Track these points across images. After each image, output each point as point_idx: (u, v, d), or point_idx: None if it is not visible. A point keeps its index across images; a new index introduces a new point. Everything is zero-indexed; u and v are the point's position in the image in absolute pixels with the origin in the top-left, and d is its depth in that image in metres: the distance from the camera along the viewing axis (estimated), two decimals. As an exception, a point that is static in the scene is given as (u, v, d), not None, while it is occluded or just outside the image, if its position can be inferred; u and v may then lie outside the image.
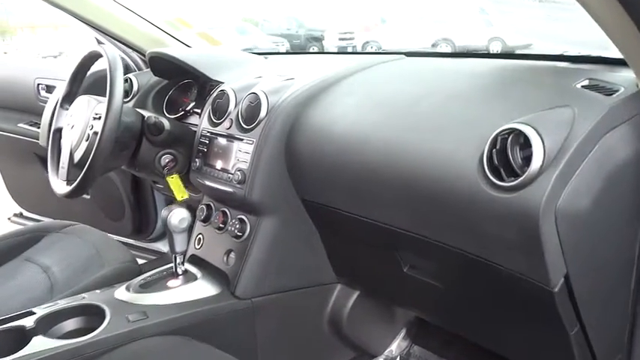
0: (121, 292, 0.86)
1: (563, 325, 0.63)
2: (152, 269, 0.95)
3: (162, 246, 1.53)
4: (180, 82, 1.20)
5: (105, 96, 0.89)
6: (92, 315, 0.80)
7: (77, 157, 0.95)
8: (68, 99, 1.06)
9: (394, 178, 0.71)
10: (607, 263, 0.63)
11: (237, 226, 0.91)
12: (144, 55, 1.26)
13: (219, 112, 0.96)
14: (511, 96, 0.71)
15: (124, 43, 1.29)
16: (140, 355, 0.73)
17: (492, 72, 0.85)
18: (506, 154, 0.58)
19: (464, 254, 0.66)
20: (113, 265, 1.01)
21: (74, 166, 0.96)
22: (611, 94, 0.63)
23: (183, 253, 0.90)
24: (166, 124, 0.99)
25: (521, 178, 0.56)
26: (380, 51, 1.12)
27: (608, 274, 0.64)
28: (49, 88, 1.48)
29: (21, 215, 1.80)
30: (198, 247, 0.99)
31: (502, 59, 1.02)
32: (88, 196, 1.52)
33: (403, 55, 1.05)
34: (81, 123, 0.97)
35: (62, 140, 1.03)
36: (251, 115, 0.90)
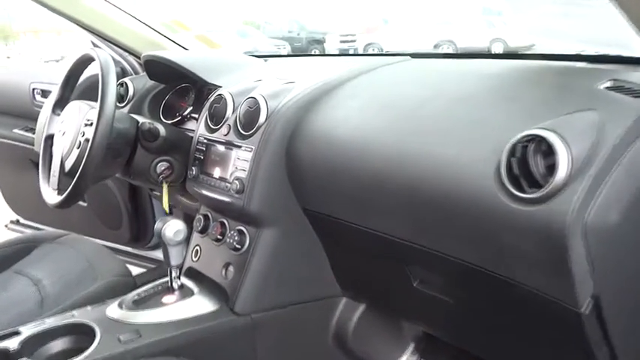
0: (113, 309, 0.82)
1: (590, 347, 0.58)
2: (148, 280, 0.91)
3: (161, 254, 1.49)
4: (177, 86, 1.16)
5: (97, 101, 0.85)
6: (81, 335, 0.76)
7: (68, 165, 0.92)
8: (60, 104, 1.02)
9: (401, 186, 0.67)
10: (638, 281, 0.58)
11: (236, 237, 0.87)
12: (140, 59, 1.23)
13: (217, 118, 0.92)
14: (527, 99, 0.66)
15: (119, 46, 1.26)
16: None
17: (505, 73, 0.80)
18: (527, 163, 0.53)
19: (479, 270, 0.61)
20: (106, 278, 0.98)
21: (65, 175, 0.93)
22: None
23: (179, 267, 0.86)
24: (162, 130, 0.95)
25: (546, 190, 0.51)
26: (384, 52, 1.08)
27: (639, 292, 0.59)
28: (45, 93, 1.46)
29: (18, 222, 1.79)
30: (195, 259, 0.94)
31: (513, 60, 0.97)
32: (85, 204, 1.49)
33: (408, 57, 1.01)
34: (72, 129, 0.93)
35: (53, 147, 0.99)
36: (250, 120, 0.86)
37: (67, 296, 0.93)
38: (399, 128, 0.72)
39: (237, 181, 0.84)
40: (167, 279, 0.87)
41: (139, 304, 0.84)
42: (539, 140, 0.53)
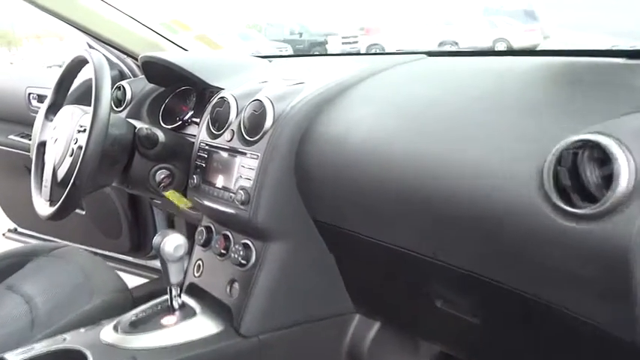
0: (108, 333, 0.76)
1: None
2: (147, 293, 0.85)
3: (161, 264, 1.44)
4: (177, 89, 1.11)
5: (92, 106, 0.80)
6: None
7: (60, 174, 0.86)
8: (53, 110, 0.97)
9: (424, 198, 0.60)
10: None
11: (241, 252, 0.80)
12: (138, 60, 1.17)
13: (219, 123, 0.86)
14: (566, 99, 0.59)
15: (116, 48, 1.21)
16: None
17: (534, 71, 0.73)
18: (577, 173, 0.46)
19: (516, 293, 0.54)
20: (103, 294, 0.92)
21: (57, 185, 0.87)
22: None
23: (180, 285, 0.80)
24: (160, 135, 0.89)
25: (604, 205, 0.44)
26: (399, 51, 1.02)
27: None
28: (41, 98, 1.41)
29: (15, 231, 1.75)
30: (197, 274, 0.88)
31: (538, 57, 0.90)
32: (83, 212, 1.44)
33: (424, 55, 0.94)
34: (64, 136, 0.88)
35: (45, 156, 0.94)
36: (255, 125, 0.79)
37: (60, 316, 0.87)
38: (420, 132, 0.65)
39: (241, 191, 0.78)
40: (167, 297, 0.81)
41: (136, 325, 0.77)
42: (592, 146, 0.46)
